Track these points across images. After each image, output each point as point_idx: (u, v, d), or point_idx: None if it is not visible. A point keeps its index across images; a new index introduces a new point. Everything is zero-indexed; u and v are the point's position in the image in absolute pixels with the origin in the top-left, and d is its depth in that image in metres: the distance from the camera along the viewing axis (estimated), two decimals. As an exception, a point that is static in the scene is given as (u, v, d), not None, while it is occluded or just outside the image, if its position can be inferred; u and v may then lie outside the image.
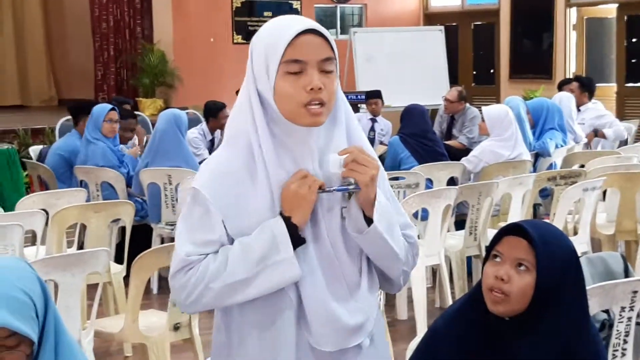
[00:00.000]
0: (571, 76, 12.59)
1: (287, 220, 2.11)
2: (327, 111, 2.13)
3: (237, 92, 8.84)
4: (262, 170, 2.13)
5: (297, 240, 2.11)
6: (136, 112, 9.79)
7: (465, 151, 7.91)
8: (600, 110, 9.21)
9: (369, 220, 2.15)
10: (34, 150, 8.36)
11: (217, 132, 8.26)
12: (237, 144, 2.16)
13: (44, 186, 7.21)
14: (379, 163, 2.18)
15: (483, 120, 7.09)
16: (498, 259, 2.25)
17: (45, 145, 8.53)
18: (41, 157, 7.83)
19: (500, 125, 6.94)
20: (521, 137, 7.08)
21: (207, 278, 2.10)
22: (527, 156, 7.07)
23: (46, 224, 5.22)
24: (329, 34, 2.14)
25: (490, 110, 7.07)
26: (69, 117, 8.01)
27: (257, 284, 2.10)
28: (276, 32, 2.13)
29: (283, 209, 2.12)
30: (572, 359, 2.21)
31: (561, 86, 9.61)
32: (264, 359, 2.17)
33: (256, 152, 2.13)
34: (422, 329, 5.16)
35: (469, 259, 6.05)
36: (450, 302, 5.42)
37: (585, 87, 9.27)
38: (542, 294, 2.19)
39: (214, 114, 8.23)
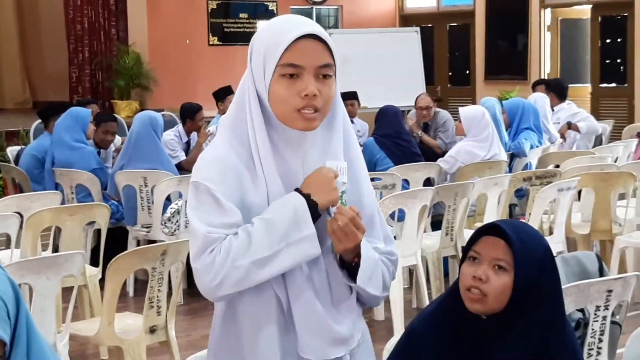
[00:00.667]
0: (546, 77, 12.66)
1: (306, 197, 2.10)
2: (321, 116, 2.12)
3: (213, 94, 8.77)
4: (260, 172, 2.13)
5: (315, 216, 2.10)
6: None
7: (441, 152, 7.92)
8: (573, 109, 9.28)
9: (345, 261, 2.16)
10: (12, 151, 8.29)
11: (194, 134, 8.22)
12: (236, 139, 2.15)
13: (18, 189, 7.15)
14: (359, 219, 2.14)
15: (460, 120, 7.11)
16: (475, 259, 2.25)
17: (23, 147, 8.47)
18: (18, 158, 7.77)
19: (477, 126, 6.97)
20: (497, 137, 7.11)
21: (232, 256, 2.06)
22: (503, 156, 7.10)
23: (20, 227, 5.18)
24: (330, 40, 2.11)
25: (467, 111, 7.10)
26: (42, 119, 7.96)
27: (281, 261, 2.08)
28: (277, 33, 2.10)
29: (307, 188, 2.11)
30: (549, 358, 2.22)
31: (534, 87, 9.69)
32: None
33: (255, 157, 2.13)
34: (399, 330, 5.17)
35: (445, 259, 6.06)
36: (427, 302, 5.43)
37: (551, 87, 9.34)
38: (519, 293, 2.19)
39: (191, 116, 8.18)
